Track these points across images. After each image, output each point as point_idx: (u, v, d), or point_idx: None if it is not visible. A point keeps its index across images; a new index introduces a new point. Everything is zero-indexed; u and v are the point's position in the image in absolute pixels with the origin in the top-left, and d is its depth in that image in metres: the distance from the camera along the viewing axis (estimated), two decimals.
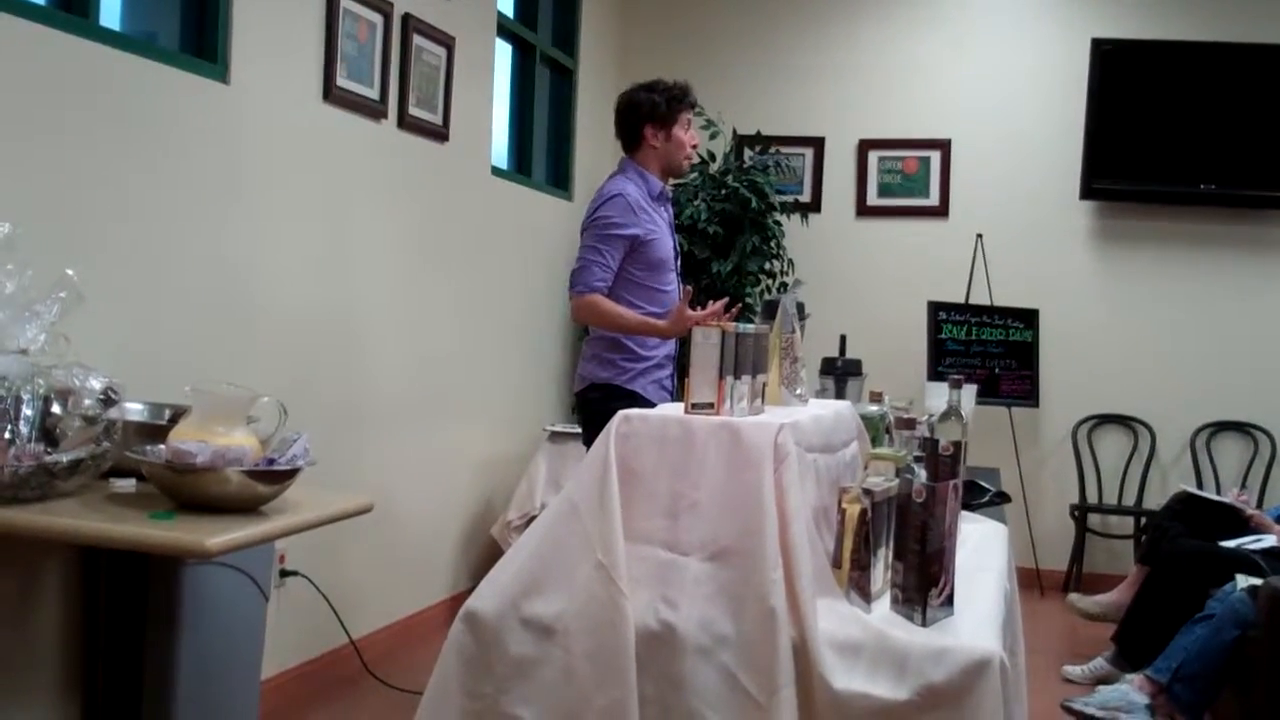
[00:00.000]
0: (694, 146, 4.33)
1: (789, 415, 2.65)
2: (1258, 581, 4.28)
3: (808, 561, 2.39)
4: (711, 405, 2.54)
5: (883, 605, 2.57)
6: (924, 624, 2.44)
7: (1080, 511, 6.74)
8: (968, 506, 3.52)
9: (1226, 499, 5.41)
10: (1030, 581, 6.44)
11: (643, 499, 2.49)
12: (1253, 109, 6.56)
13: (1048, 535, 6.87)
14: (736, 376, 2.59)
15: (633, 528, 2.46)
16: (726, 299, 3.99)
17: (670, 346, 4.23)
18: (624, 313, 4.06)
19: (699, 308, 3.92)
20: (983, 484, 4.04)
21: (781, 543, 2.37)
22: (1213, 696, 4.25)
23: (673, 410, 2.62)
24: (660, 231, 4.19)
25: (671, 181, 4.49)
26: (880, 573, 2.61)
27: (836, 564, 2.61)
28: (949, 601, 2.53)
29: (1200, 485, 6.48)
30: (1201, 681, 4.20)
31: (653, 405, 4.05)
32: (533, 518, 5.48)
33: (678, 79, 4.28)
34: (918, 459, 3.06)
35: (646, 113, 4.20)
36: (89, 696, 3.32)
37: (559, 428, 5.86)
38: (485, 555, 5.77)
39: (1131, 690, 4.27)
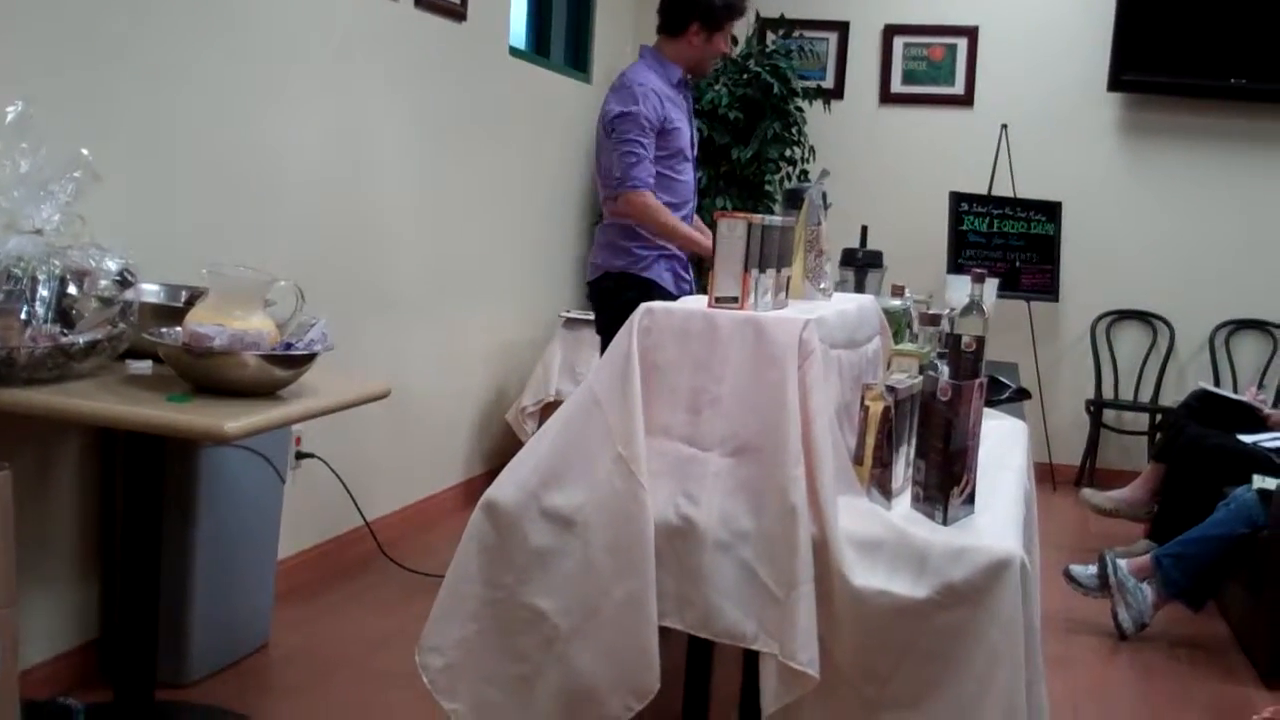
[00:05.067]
0: (724, 55, 4.29)
1: (813, 310, 2.61)
2: (1271, 485, 4.27)
3: (829, 459, 2.37)
4: (736, 299, 2.51)
5: (903, 503, 2.57)
6: (945, 522, 2.43)
7: (1096, 407, 6.73)
8: (988, 403, 3.49)
9: (1244, 397, 5.39)
10: (1044, 476, 6.45)
11: (664, 393, 2.47)
12: None
13: (1062, 430, 6.86)
14: (761, 270, 2.55)
15: (654, 422, 2.44)
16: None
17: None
18: (677, 224, 4.04)
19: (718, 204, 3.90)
20: (1003, 380, 4.02)
21: (804, 439, 2.35)
22: (1206, 587, 4.27)
23: (696, 304, 2.58)
24: (681, 120, 4.14)
25: None
26: (901, 470, 2.60)
27: (858, 461, 2.59)
28: (970, 500, 2.51)
29: (1218, 383, 6.45)
30: (1192, 564, 4.21)
31: (668, 292, 4.04)
32: (547, 404, 5.52)
33: None
34: (940, 355, 3.04)
35: (702, 11, 4.13)
36: (107, 576, 3.35)
37: (574, 314, 5.83)
38: (500, 441, 5.79)
39: (1124, 567, 4.29)
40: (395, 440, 4.85)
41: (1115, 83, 6.65)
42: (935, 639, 2.26)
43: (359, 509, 4.44)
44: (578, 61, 6.59)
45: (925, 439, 2.52)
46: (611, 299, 4.05)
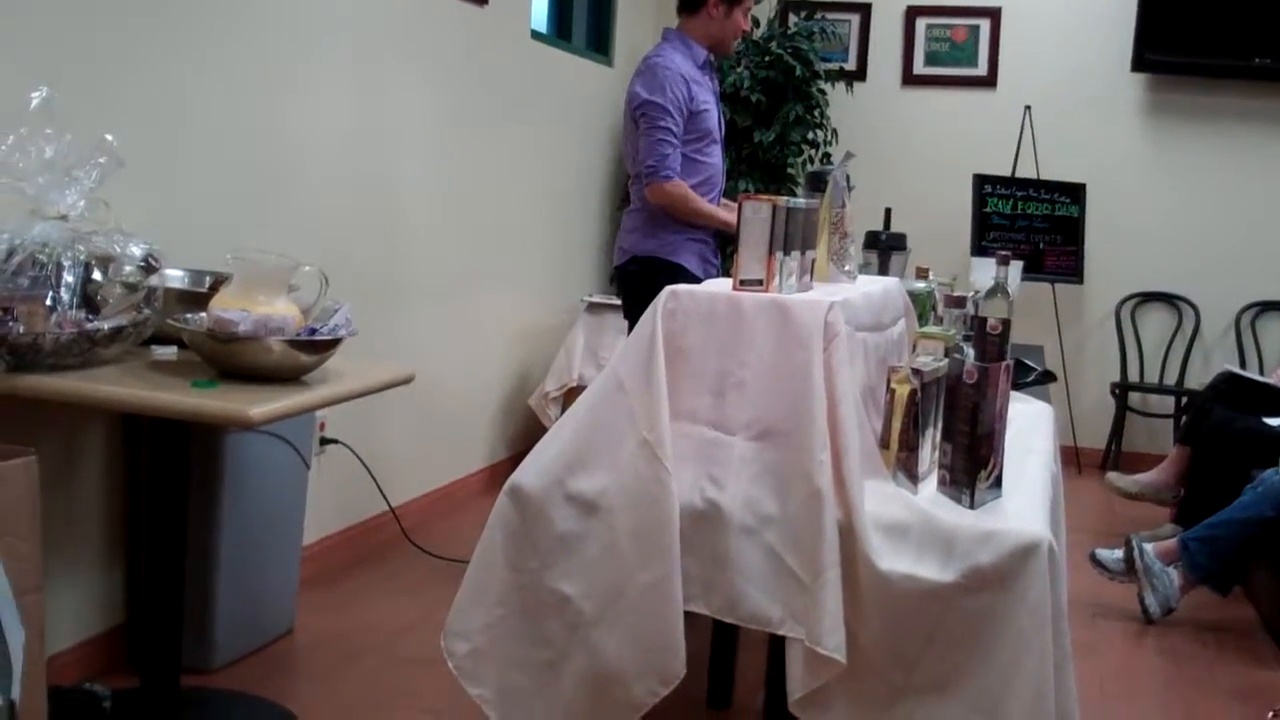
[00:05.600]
0: (745, 32, 4.27)
1: (838, 293, 2.60)
2: None
3: (855, 442, 2.36)
4: (761, 282, 2.50)
5: (929, 486, 2.56)
6: (972, 506, 2.42)
7: (1121, 390, 6.69)
8: (1013, 386, 3.48)
9: (1270, 380, 5.35)
10: (1069, 459, 6.40)
11: (689, 377, 2.46)
12: None
13: (1087, 413, 6.83)
14: (786, 252, 2.54)
15: (679, 406, 2.44)
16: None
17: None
18: (710, 209, 4.05)
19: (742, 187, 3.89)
20: (1028, 363, 4.00)
21: (830, 423, 2.34)
22: (1233, 570, 4.24)
23: (721, 286, 2.57)
24: (709, 102, 4.12)
25: None
26: (928, 453, 2.59)
27: (884, 444, 2.58)
28: (997, 484, 2.50)
29: (1244, 365, 6.41)
30: (1220, 548, 4.18)
31: (695, 277, 4.02)
32: (570, 389, 5.52)
33: None
34: (966, 338, 3.02)
35: None
36: (132, 562, 3.36)
37: (597, 299, 5.82)
38: (523, 426, 5.79)
39: (1150, 552, 4.27)
40: (419, 426, 4.85)
41: (1139, 63, 6.60)
42: (962, 623, 2.25)
43: (383, 494, 4.44)
44: (599, 44, 6.57)
45: (951, 422, 2.51)
46: (639, 283, 4.03)
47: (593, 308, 5.76)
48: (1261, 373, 6.18)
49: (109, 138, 2.71)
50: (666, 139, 3.97)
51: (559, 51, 5.93)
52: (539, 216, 5.84)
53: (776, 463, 2.36)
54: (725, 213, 4.07)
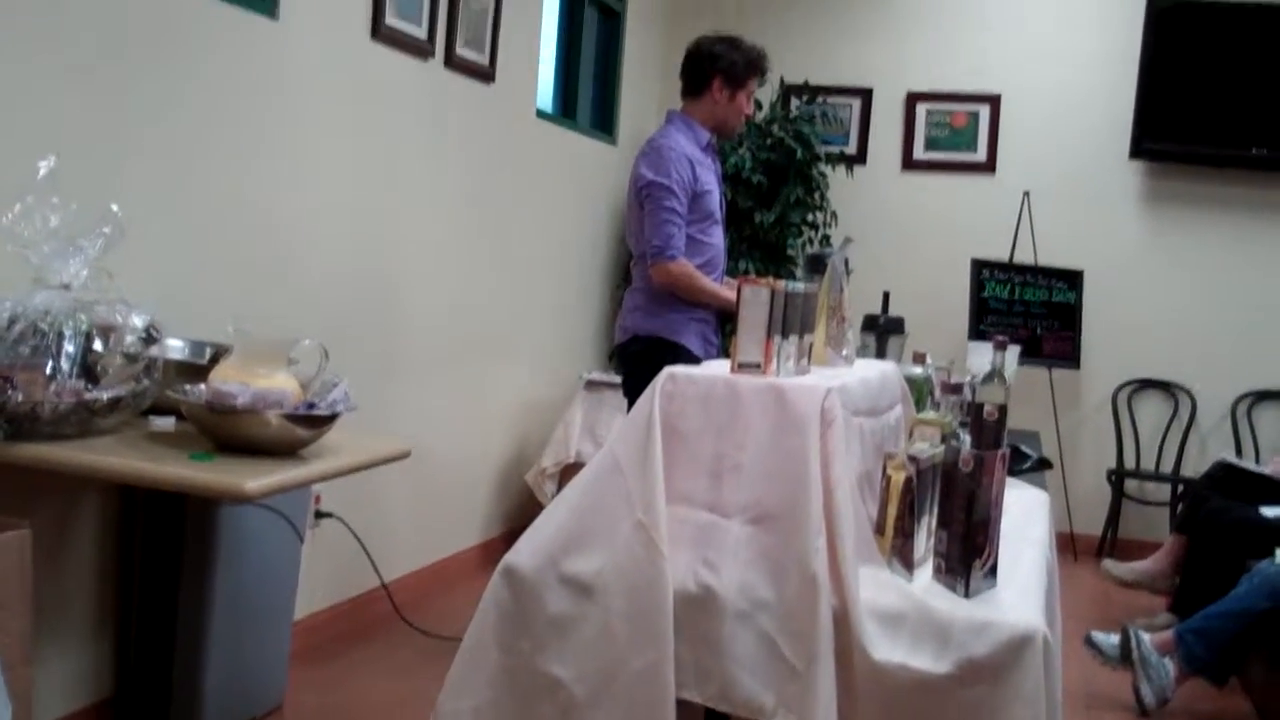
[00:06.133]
0: (748, 116, 4.30)
1: (836, 377, 2.61)
2: None
3: (851, 528, 2.35)
4: (758, 365, 2.50)
5: (925, 574, 2.54)
6: (967, 595, 2.41)
7: (1117, 476, 6.68)
8: (1010, 472, 3.47)
9: (1266, 470, 5.35)
10: (1065, 546, 6.39)
11: (686, 459, 2.46)
12: None
13: (1084, 499, 6.82)
14: (784, 336, 2.55)
15: (675, 488, 2.44)
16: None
17: None
18: (714, 288, 4.06)
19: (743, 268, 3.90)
20: (1024, 449, 4.00)
21: (825, 508, 2.34)
22: (1229, 662, 4.21)
23: (719, 369, 2.58)
24: (712, 184, 4.15)
25: None
26: (923, 541, 2.58)
27: (879, 531, 2.58)
28: (992, 573, 2.49)
29: (1240, 454, 6.41)
30: (1216, 639, 4.15)
31: (697, 357, 4.03)
32: (567, 466, 5.51)
33: (756, 43, 4.22)
34: (962, 424, 3.02)
35: (723, 67, 4.14)
36: (122, 633, 3.34)
37: (596, 376, 5.83)
38: (519, 502, 5.77)
39: (1147, 642, 4.24)
40: (415, 499, 4.84)
41: (1137, 151, 6.66)
42: (957, 715, 2.24)
43: (377, 570, 4.42)
44: (604, 124, 6.63)
45: (947, 510, 2.50)
46: (641, 362, 4.04)
47: (591, 385, 5.77)
48: (1257, 461, 6.18)
49: (114, 208, 2.74)
50: (671, 219, 3.99)
51: (564, 130, 5.99)
52: (540, 292, 5.87)
53: (772, 547, 2.35)
54: (729, 291, 4.09)
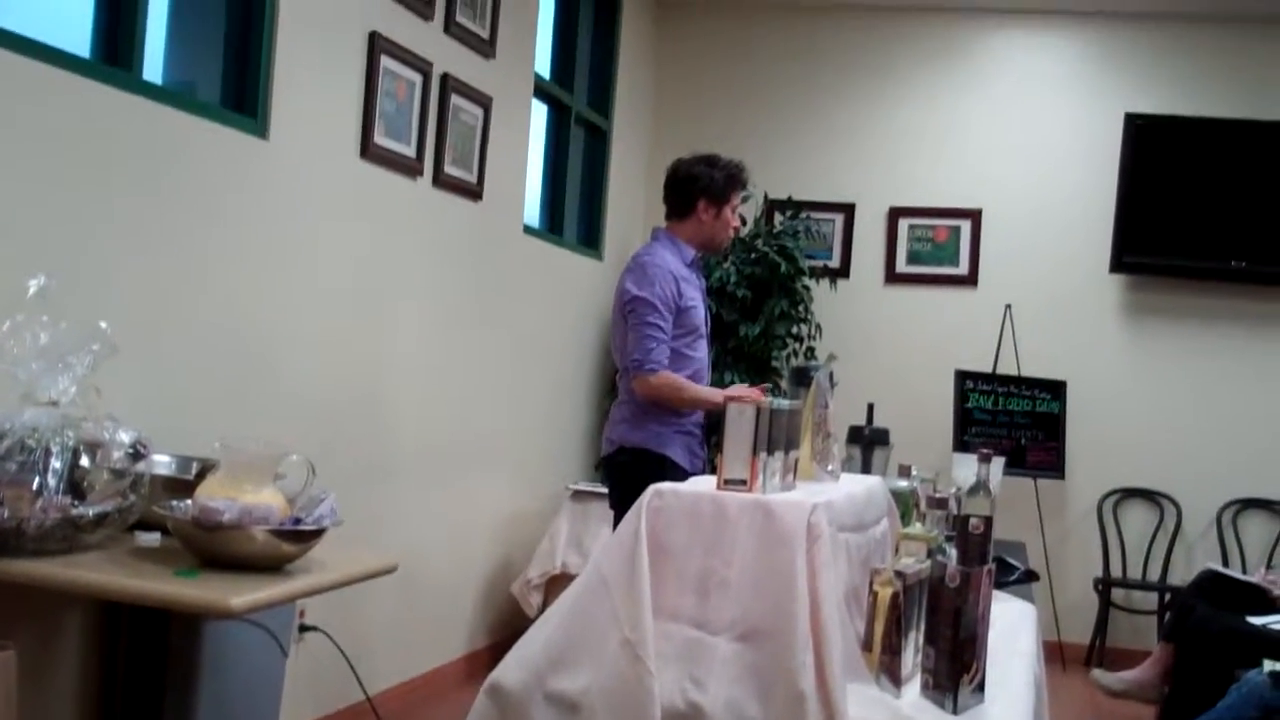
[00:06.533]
0: (735, 229, 4.36)
1: (822, 493, 2.62)
2: None
3: (838, 645, 2.35)
4: (744, 481, 2.52)
5: (913, 690, 2.54)
6: (955, 711, 2.41)
7: (1104, 585, 6.67)
8: (996, 585, 3.48)
9: (1254, 579, 5.35)
10: (1052, 655, 6.33)
11: (673, 575, 2.46)
12: None
13: (1071, 608, 6.79)
14: (770, 452, 2.56)
15: (662, 604, 2.44)
16: (768, 386, 3.98)
17: (700, 413, 4.21)
18: (701, 393, 4.07)
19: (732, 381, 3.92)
20: (1011, 561, 4.00)
21: (812, 625, 2.34)
22: None
23: (705, 485, 2.59)
24: (697, 299, 4.19)
25: None
26: (910, 656, 2.58)
27: (866, 647, 2.57)
28: (980, 688, 2.49)
29: (1226, 563, 6.40)
30: None
31: (683, 469, 4.04)
32: (553, 576, 5.49)
33: (733, 157, 4.27)
34: (948, 538, 3.03)
35: (704, 187, 4.19)
36: None
37: (582, 486, 5.84)
38: (504, 613, 5.74)
39: None
40: (400, 611, 4.81)
41: (1117, 264, 6.76)
42: None
43: (361, 684, 4.37)
44: (590, 239, 6.71)
45: (934, 625, 2.51)
46: (627, 474, 4.05)
47: (577, 495, 5.77)
48: (1244, 570, 6.18)
49: (103, 325, 2.76)
50: (654, 333, 4.02)
51: (550, 245, 6.06)
52: (526, 404, 5.89)
53: (759, 664, 2.35)
54: (716, 394, 4.10)
